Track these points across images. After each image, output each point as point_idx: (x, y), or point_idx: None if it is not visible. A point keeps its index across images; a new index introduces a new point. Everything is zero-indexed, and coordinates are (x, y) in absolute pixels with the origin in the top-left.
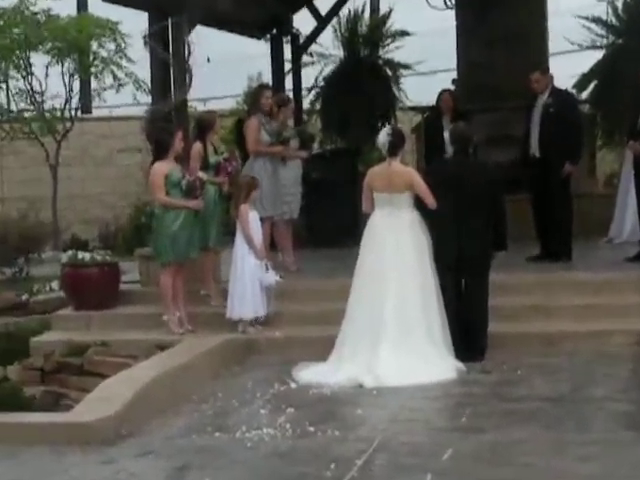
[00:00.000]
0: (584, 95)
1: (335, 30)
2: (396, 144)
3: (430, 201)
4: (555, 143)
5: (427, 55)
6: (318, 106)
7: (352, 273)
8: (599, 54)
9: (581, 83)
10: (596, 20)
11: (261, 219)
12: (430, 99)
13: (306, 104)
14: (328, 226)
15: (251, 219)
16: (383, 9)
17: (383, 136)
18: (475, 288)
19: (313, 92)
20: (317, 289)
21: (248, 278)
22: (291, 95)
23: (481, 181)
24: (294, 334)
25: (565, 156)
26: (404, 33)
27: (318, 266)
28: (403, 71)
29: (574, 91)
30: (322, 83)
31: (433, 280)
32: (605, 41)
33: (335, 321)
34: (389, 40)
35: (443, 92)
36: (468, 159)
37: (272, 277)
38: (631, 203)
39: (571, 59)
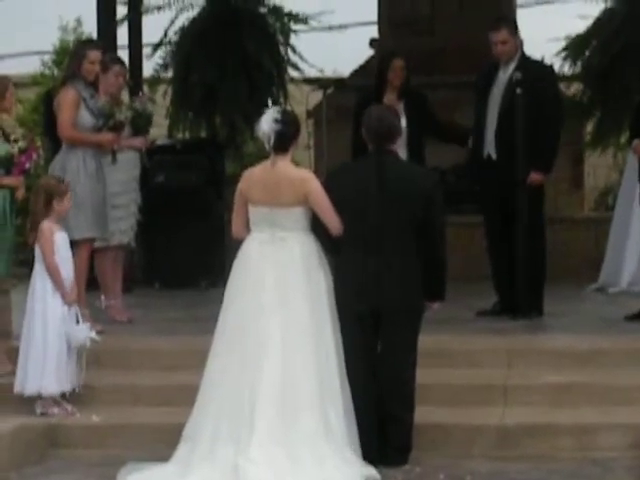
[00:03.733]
0: (568, 69)
1: None
2: (286, 135)
3: (333, 223)
4: (521, 139)
5: (333, 2)
6: (168, 73)
7: (212, 329)
8: (596, 7)
9: (573, 50)
10: None
11: (74, 243)
12: (336, 67)
13: (149, 69)
14: (178, 256)
15: (58, 243)
16: None
17: (267, 122)
18: (397, 356)
19: (160, 52)
20: (157, 351)
21: (52, 333)
22: (125, 55)
23: (411, 195)
24: (120, 419)
25: (534, 160)
26: None
27: (160, 316)
28: (297, 25)
29: (556, 63)
30: (175, 39)
31: (334, 342)
32: None
33: (183, 400)
34: None
35: (392, 57)
36: (393, 160)
37: (84, 333)
38: (634, 234)
39: (551, 15)
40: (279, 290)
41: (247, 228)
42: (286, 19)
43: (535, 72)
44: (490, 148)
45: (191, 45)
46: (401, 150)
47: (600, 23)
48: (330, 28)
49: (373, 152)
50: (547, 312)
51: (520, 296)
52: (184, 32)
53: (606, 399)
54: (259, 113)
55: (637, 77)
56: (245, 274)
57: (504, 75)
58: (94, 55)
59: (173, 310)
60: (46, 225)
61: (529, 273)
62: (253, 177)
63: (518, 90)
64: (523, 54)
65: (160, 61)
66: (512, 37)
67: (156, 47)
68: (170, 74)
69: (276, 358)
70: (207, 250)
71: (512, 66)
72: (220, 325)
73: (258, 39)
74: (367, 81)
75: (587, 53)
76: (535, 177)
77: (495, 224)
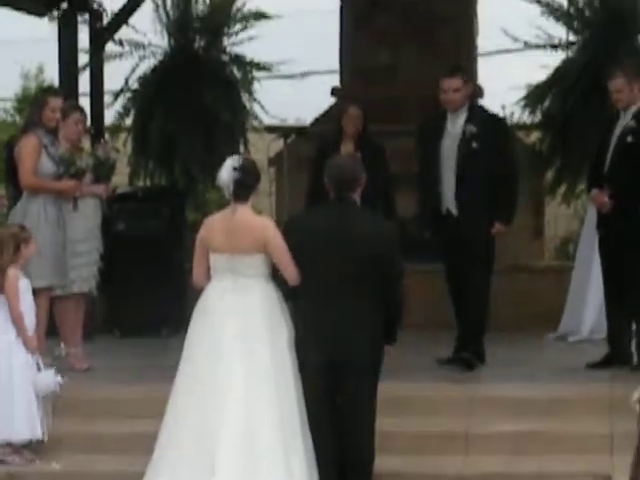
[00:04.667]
0: (527, 117)
1: (157, 7)
2: (245, 183)
3: (290, 273)
4: (481, 194)
5: (295, 50)
6: (128, 120)
7: (172, 377)
8: (555, 57)
9: (532, 99)
10: (552, 7)
11: (34, 291)
12: (298, 115)
13: (110, 116)
14: (138, 304)
15: (22, 290)
16: None
17: (226, 171)
18: (357, 407)
19: (121, 99)
20: (117, 399)
21: (19, 380)
22: (87, 103)
23: (371, 244)
24: (80, 467)
25: (497, 212)
26: (261, 16)
27: (120, 364)
28: (259, 73)
29: (516, 112)
30: (136, 86)
31: (295, 390)
32: (572, 37)
33: (144, 449)
34: (239, 26)
35: (348, 105)
36: (353, 209)
37: (51, 378)
38: (594, 282)
39: (513, 63)
40: (240, 338)
41: (208, 276)
42: (248, 67)
43: (488, 125)
44: (450, 203)
45: (151, 94)
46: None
47: (559, 72)
48: (292, 76)
49: (334, 200)
50: (507, 360)
51: (467, 344)
52: (144, 80)
53: (566, 448)
54: (216, 163)
55: (596, 126)
56: (205, 322)
57: (453, 126)
58: (55, 103)
59: (133, 358)
60: (12, 272)
61: (471, 321)
62: (214, 224)
63: (474, 144)
64: (472, 105)
65: (120, 109)
66: (464, 86)
67: (117, 95)
68: (130, 122)
69: (238, 407)
70: (168, 298)
71: (462, 117)
72: (180, 374)
73: (218, 89)
74: (328, 129)
75: (547, 102)
76: (500, 228)
77: (456, 275)
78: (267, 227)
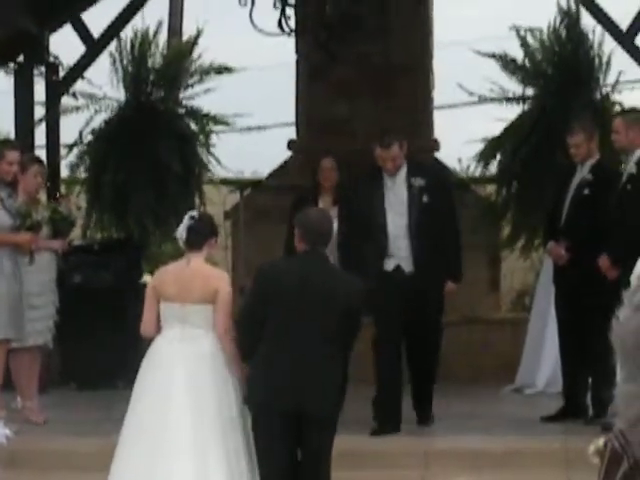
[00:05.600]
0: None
1: (114, 60)
2: (198, 231)
3: (220, 328)
4: (437, 250)
5: (251, 103)
6: (83, 173)
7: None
8: (512, 110)
9: (485, 153)
10: (507, 61)
11: None
12: (255, 167)
13: (65, 169)
14: (94, 356)
15: None
16: (189, 31)
17: (183, 222)
18: (319, 457)
19: (76, 151)
20: (72, 452)
21: None
22: (43, 154)
23: (344, 299)
24: None
25: (449, 269)
26: (220, 69)
27: (76, 417)
28: (216, 126)
29: (472, 164)
30: (91, 138)
31: (244, 442)
32: (528, 90)
33: None
34: (196, 78)
35: (321, 157)
36: (323, 263)
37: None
38: (550, 336)
39: (470, 116)
40: (188, 388)
41: (157, 326)
42: (205, 120)
43: (433, 177)
44: (402, 260)
45: (104, 146)
46: (331, 255)
47: (513, 126)
48: (249, 129)
49: (307, 252)
50: (463, 412)
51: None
52: (99, 133)
53: None
54: (170, 215)
55: (549, 179)
56: (155, 372)
57: (394, 181)
58: (12, 156)
59: (89, 410)
60: None
61: (424, 378)
62: (166, 274)
63: (425, 199)
64: (409, 158)
65: (73, 161)
66: (401, 150)
67: (71, 147)
68: (84, 174)
69: (187, 459)
70: (123, 350)
71: (402, 171)
72: (126, 425)
73: (173, 141)
74: (284, 182)
75: (500, 155)
76: (453, 287)
77: (398, 337)
78: (221, 277)
